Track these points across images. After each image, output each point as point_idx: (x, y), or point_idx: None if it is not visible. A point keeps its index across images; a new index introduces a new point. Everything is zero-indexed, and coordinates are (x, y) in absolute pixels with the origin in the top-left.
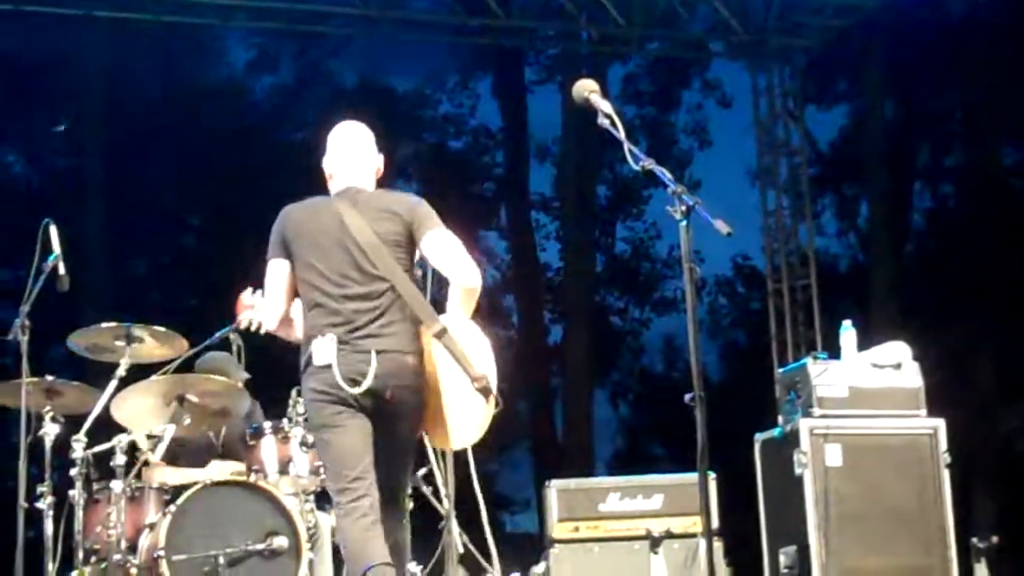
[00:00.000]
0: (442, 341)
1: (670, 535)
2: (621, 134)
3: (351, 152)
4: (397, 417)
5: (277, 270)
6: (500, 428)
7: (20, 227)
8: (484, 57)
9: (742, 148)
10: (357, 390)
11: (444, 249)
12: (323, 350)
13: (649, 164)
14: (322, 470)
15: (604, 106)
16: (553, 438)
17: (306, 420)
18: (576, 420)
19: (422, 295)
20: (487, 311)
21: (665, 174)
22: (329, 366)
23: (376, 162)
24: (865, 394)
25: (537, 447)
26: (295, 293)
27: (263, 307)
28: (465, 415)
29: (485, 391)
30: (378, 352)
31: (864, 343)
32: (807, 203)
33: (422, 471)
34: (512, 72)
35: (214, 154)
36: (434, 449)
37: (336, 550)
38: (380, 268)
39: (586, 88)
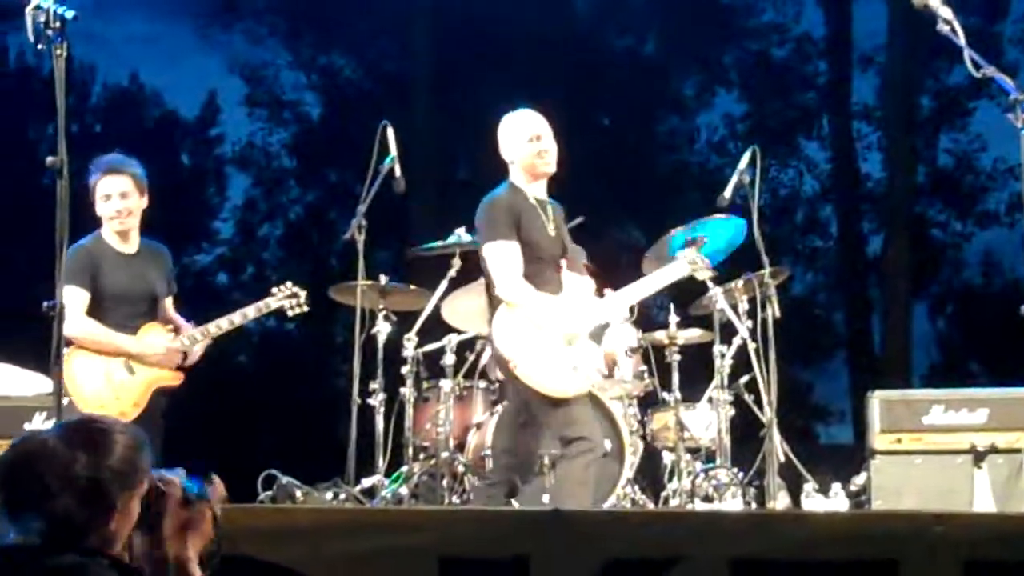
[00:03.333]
0: None
1: (995, 450)
2: (962, 40)
3: None
4: None
5: None
6: (817, 338)
7: (349, 131)
8: None
9: None
10: None
11: None
12: None
13: (991, 71)
14: (645, 375)
15: (945, 12)
16: (870, 349)
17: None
18: (894, 332)
19: None
20: (806, 221)
21: (1007, 81)
22: None
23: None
24: None
25: (853, 358)
26: None
27: None
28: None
29: None
30: None
31: None
32: None
33: (744, 378)
34: None
35: (536, 61)
36: (758, 357)
37: (652, 454)
38: None
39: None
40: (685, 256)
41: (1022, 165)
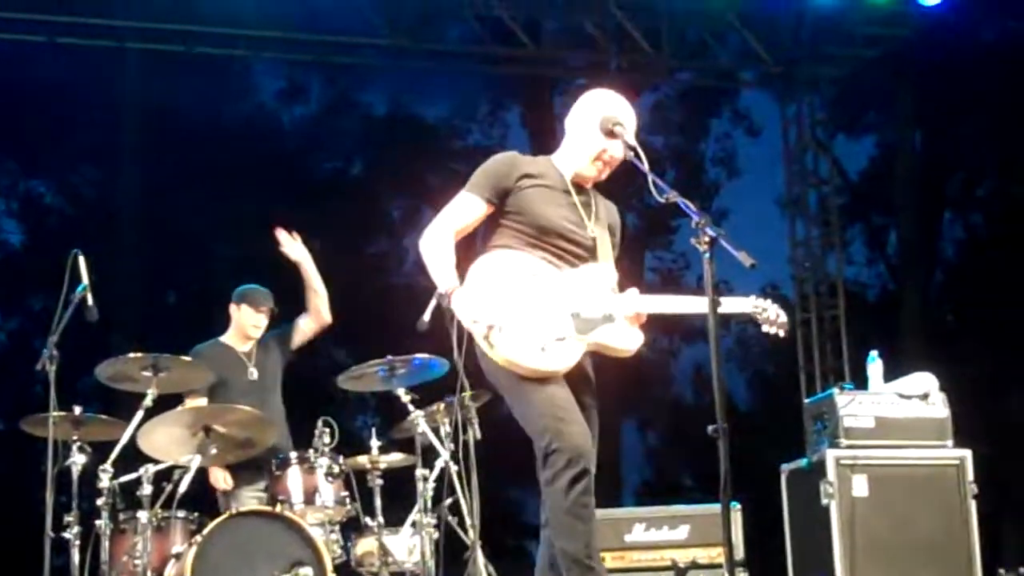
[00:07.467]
0: None
1: (696, 566)
2: (645, 166)
3: None
4: None
5: None
6: (528, 457)
7: (52, 257)
8: (514, 87)
9: (771, 178)
10: None
11: None
12: None
13: (673, 196)
14: (347, 500)
15: (628, 138)
16: None
17: (332, 450)
18: (604, 449)
19: None
20: None
21: (689, 206)
22: None
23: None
24: (892, 425)
25: None
26: None
27: None
28: None
29: None
30: None
31: (892, 373)
32: (836, 233)
33: (448, 501)
34: (542, 102)
35: (244, 184)
36: (460, 479)
37: None
38: None
39: (610, 121)
40: (761, 304)
41: (706, 290)
